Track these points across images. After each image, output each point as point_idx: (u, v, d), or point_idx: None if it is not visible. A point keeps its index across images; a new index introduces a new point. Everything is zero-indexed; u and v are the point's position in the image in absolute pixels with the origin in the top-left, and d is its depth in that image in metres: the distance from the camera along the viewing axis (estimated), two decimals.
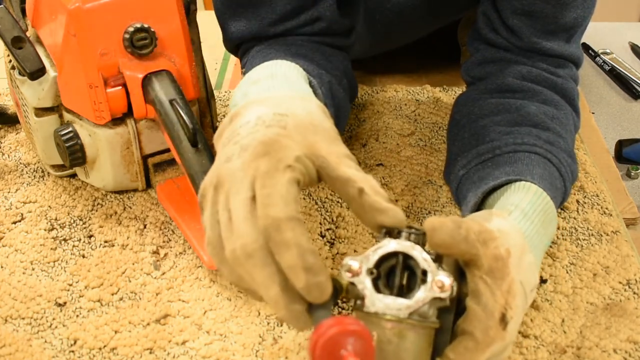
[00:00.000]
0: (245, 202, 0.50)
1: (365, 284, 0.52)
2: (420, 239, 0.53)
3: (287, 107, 0.57)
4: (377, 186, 0.53)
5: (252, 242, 0.49)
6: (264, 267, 0.49)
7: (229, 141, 0.55)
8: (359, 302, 0.52)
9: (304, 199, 0.81)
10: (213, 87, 0.86)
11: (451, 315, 0.54)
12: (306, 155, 0.53)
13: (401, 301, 0.51)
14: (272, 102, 0.58)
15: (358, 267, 0.52)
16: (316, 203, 0.80)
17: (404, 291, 0.52)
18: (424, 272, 0.51)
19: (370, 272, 0.52)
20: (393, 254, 0.52)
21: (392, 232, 0.53)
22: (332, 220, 0.78)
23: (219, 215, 0.52)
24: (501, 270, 0.54)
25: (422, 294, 0.51)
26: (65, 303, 0.69)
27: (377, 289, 0.52)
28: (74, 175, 0.84)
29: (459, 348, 0.53)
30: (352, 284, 0.52)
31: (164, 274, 0.72)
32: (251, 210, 0.50)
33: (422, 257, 0.51)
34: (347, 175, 0.53)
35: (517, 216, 0.60)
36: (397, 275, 0.52)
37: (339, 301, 0.68)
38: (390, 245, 0.52)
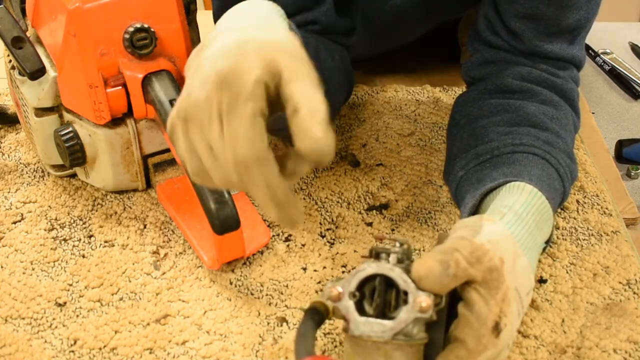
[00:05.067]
0: (220, 137, 0.50)
1: (348, 308, 0.52)
2: (404, 256, 0.54)
3: (253, 35, 0.54)
4: (319, 109, 0.49)
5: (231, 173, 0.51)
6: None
7: (194, 73, 0.54)
8: (344, 324, 0.52)
9: (304, 199, 0.81)
10: None
11: (442, 324, 0.54)
12: (265, 72, 0.50)
13: (385, 323, 0.51)
14: (237, 32, 0.55)
15: (339, 292, 0.52)
16: (316, 203, 0.80)
17: (389, 309, 0.52)
18: (405, 292, 0.52)
19: (352, 295, 0.52)
20: (374, 276, 0.52)
21: (371, 253, 0.54)
22: (332, 220, 0.78)
23: (197, 146, 0.52)
24: (496, 279, 0.54)
25: (404, 315, 0.51)
26: (65, 303, 0.69)
27: (362, 309, 0.52)
28: (74, 175, 0.84)
29: (450, 356, 0.53)
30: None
31: (164, 274, 0.72)
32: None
33: (401, 278, 0.52)
34: (289, 93, 0.50)
35: (510, 218, 0.60)
36: (377, 297, 0.52)
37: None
38: (369, 268, 0.53)
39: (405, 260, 0.54)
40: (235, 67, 0.51)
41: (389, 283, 0.52)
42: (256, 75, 0.50)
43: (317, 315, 0.53)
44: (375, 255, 0.54)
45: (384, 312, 0.52)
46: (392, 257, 0.53)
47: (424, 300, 0.51)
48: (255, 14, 0.60)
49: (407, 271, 0.52)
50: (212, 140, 0.51)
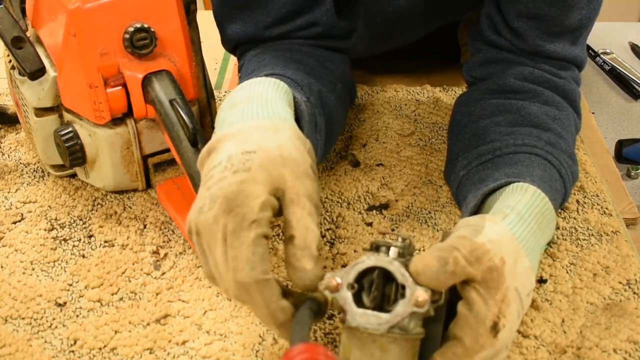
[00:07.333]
0: (224, 257, 0.53)
1: (345, 299, 0.52)
2: (405, 250, 0.54)
3: (257, 142, 0.57)
4: (312, 242, 0.54)
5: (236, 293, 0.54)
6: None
7: (204, 183, 0.56)
8: (342, 315, 0.53)
9: None
10: (213, 87, 0.86)
11: (441, 321, 0.54)
12: (271, 192, 0.54)
13: (381, 315, 0.52)
14: (242, 137, 0.58)
15: (337, 283, 0.53)
16: None
17: (388, 302, 0.53)
18: (403, 286, 0.52)
19: (350, 286, 0.52)
20: (373, 268, 0.53)
21: (372, 246, 0.54)
22: (332, 220, 0.78)
23: (207, 257, 0.55)
24: (496, 280, 0.54)
25: (401, 309, 0.51)
26: (65, 303, 0.69)
27: (360, 301, 0.53)
28: (74, 175, 0.84)
29: (448, 353, 0.53)
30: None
31: (164, 274, 0.72)
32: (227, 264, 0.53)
33: (399, 272, 0.52)
34: (288, 218, 0.54)
35: (512, 219, 0.60)
36: (374, 289, 0.53)
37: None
38: (368, 260, 0.53)
39: (407, 255, 0.54)
40: (241, 190, 0.53)
41: (388, 277, 0.53)
42: (262, 200, 0.53)
43: (314, 304, 0.53)
44: (375, 248, 0.54)
45: (382, 305, 0.52)
46: (393, 251, 0.53)
47: (421, 295, 0.51)
48: (257, 102, 0.62)
49: (407, 266, 0.52)
50: (216, 259, 0.54)
